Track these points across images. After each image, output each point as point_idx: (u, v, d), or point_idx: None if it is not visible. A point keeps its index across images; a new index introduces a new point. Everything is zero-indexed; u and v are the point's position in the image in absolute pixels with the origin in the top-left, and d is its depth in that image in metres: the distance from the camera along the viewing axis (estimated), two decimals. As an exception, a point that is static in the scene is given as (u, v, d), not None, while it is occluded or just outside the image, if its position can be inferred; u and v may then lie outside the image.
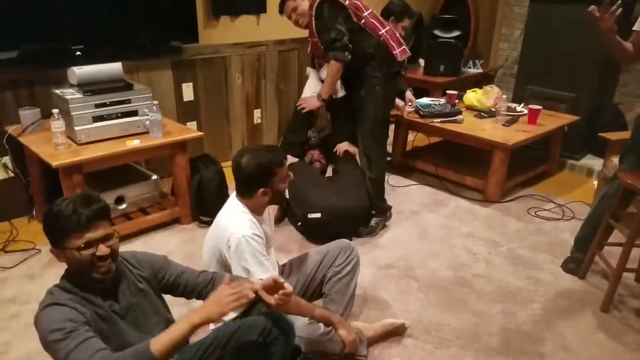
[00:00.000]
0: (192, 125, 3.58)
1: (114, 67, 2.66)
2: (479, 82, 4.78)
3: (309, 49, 3.16)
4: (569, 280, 2.49)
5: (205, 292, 1.52)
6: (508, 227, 3.00)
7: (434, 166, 3.60)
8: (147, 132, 2.67)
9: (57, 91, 2.56)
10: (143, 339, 1.24)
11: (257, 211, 1.81)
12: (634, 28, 2.28)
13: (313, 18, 2.75)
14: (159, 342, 1.20)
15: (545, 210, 3.23)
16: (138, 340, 1.29)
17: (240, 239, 1.67)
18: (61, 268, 1.35)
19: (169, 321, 1.49)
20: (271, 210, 1.98)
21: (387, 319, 2.08)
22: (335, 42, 2.70)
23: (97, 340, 1.22)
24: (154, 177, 2.93)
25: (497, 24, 4.93)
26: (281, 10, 2.91)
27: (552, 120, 3.54)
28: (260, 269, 1.67)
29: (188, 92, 3.50)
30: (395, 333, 2.05)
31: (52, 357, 1.22)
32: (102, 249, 1.30)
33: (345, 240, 2.11)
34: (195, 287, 1.54)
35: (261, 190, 1.75)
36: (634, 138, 2.31)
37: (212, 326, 1.59)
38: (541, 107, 3.47)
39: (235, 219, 1.75)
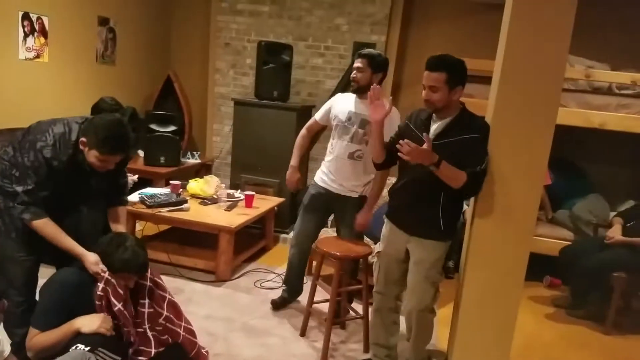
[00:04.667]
0: None
1: None
2: (199, 171, 5.20)
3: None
4: (294, 340, 2.92)
5: None
6: (240, 302, 3.32)
7: (166, 254, 3.71)
8: None
9: None
10: None
11: None
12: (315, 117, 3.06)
13: None
14: None
15: (268, 280, 3.70)
16: None
17: None
18: None
19: None
20: None
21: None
22: None
23: None
24: None
25: (208, 120, 5.50)
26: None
27: (265, 203, 4.14)
28: None
29: None
30: None
31: None
32: None
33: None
34: None
35: None
36: None
37: None
38: (254, 193, 4.03)
39: None
